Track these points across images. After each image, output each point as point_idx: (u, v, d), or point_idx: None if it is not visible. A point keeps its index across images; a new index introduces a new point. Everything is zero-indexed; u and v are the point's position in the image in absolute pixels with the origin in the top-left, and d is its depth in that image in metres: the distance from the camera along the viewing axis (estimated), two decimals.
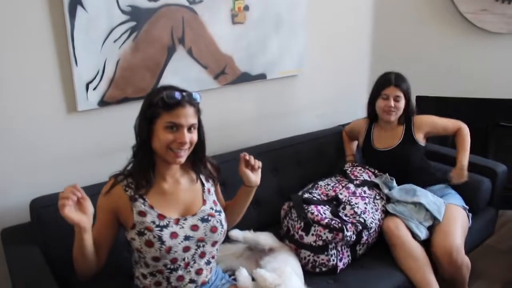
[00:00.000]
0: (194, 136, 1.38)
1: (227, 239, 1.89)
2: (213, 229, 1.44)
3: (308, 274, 1.83)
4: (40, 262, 1.55)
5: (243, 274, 1.68)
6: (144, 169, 1.38)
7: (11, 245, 1.66)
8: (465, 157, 2.17)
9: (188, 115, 1.34)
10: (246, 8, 2.20)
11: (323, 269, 1.88)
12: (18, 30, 1.64)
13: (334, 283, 1.82)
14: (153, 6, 1.90)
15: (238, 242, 1.92)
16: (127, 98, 1.94)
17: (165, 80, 2.02)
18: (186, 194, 1.46)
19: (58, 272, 1.54)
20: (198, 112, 1.40)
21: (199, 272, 1.45)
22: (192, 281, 1.44)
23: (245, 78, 2.31)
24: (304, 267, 1.85)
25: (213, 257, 1.50)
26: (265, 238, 1.89)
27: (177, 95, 1.32)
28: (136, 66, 1.92)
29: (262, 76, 2.38)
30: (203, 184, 1.51)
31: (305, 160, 2.40)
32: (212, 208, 1.48)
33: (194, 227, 1.41)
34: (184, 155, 1.37)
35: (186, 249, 1.39)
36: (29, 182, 1.77)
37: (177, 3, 1.97)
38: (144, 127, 1.34)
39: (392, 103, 2.19)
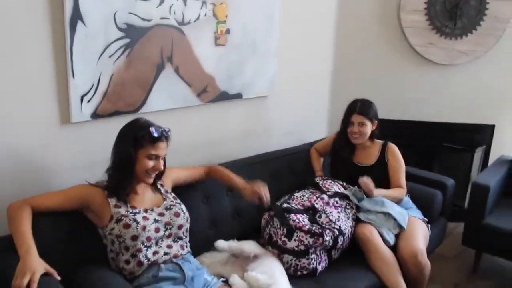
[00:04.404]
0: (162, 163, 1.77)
1: (213, 248, 2.01)
2: (176, 214, 1.79)
3: (290, 277, 1.95)
4: None
5: (236, 280, 1.80)
6: (125, 184, 1.72)
7: None
8: (384, 192, 2.35)
9: (164, 148, 1.75)
10: (228, 31, 2.37)
11: (304, 272, 2.03)
12: (17, 39, 1.67)
13: (316, 285, 1.97)
14: (146, 25, 2.01)
15: (219, 252, 2.03)
16: (118, 112, 2.01)
17: (154, 96, 2.12)
18: (150, 197, 1.82)
19: None
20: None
21: (169, 246, 1.74)
22: (165, 253, 1.72)
23: (224, 96, 2.46)
24: (286, 271, 1.98)
25: (180, 238, 1.79)
26: (249, 246, 2.02)
27: (160, 132, 1.71)
28: (127, 81, 2.01)
29: (238, 96, 2.54)
30: (160, 191, 1.86)
31: (278, 174, 2.56)
32: (172, 201, 1.84)
33: (161, 214, 1.76)
34: (153, 176, 1.77)
35: (157, 230, 1.71)
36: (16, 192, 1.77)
37: (168, 24, 2.09)
38: (130, 154, 1.69)
39: (356, 128, 2.42)
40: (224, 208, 2.25)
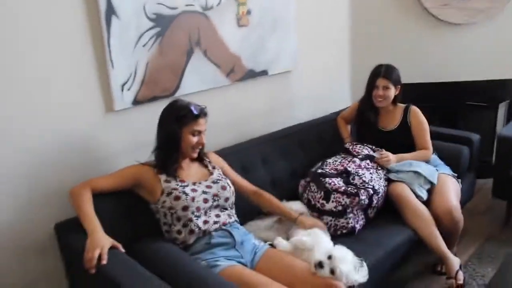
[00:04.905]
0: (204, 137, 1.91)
1: (257, 217, 2.14)
2: (223, 187, 1.92)
3: (331, 237, 2.07)
4: None
5: (281, 241, 1.94)
6: (173, 160, 1.86)
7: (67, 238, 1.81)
8: (407, 157, 2.45)
9: (204, 124, 1.89)
10: (249, 12, 2.47)
11: (344, 231, 2.15)
12: (60, 37, 1.81)
13: (356, 241, 2.08)
14: (173, 13, 2.13)
15: (266, 218, 2.16)
16: (156, 97, 2.15)
17: (186, 80, 2.25)
18: (196, 172, 1.96)
19: None
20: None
21: (217, 216, 1.87)
22: (215, 222, 1.85)
23: (251, 74, 2.57)
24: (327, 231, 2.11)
25: (226, 209, 1.92)
26: (297, 206, 2.18)
27: (200, 110, 1.85)
28: (162, 68, 2.14)
29: (264, 73, 2.65)
30: (207, 167, 2.00)
31: (308, 144, 2.67)
32: (219, 176, 1.97)
33: (208, 187, 1.89)
34: (198, 151, 1.92)
35: (205, 200, 1.85)
36: (71, 177, 1.92)
37: (193, 10, 2.21)
38: (175, 133, 1.84)
39: (381, 91, 2.51)
40: (261, 177, 2.37)
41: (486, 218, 3.01)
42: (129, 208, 1.88)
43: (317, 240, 1.89)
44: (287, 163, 2.53)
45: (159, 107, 1.92)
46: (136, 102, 2.08)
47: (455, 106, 3.40)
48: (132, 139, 2.12)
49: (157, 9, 2.07)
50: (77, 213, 1.72)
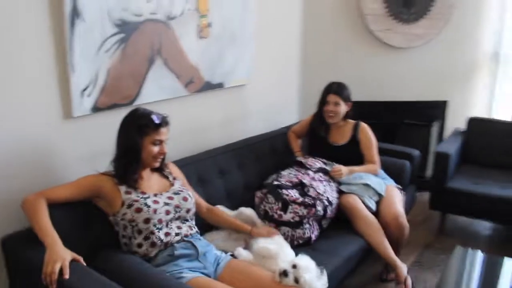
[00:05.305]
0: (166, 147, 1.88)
1: (210, 228, 2.15)
2: (185, 199, 1.90)
3: None
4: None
5: (241, 251, 1.96)
6: (133, 171, 1.81)
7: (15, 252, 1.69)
8: (357, 169, 2.58)
9: (166, 133, 1.85)
10: (210, 24, 2.50)
11: (300, 241, 2.22)
12: (19, 35, 1.71)
13: (312, 251, 2.15)
14: (137, 20, 2.10)
15: (220, 229, 2.17)
16: (115, 104, 2.10)
17: (146, 88, 2.22)
18: (157, 183, 1.92)
19: None
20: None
21: (179, 227, 1.85)
22: (177, 234, 1.83)
23: (208, 86, 2.59)
24: None
25: (187, 220, 1.91)
26: (251, 212, 2.22)
27: (161, 119, 1.81)
28: (123, 75, 2.10)
29: (221, 85, 2.68)
30: (167, 178, 1.97)
31: (262, 157, 2.74)
32: (180, 187, 1.95)
33: (170, 198, 1.86)
34: (160, 160, 1.88)
35: (167, 212, 1.82)
36: (25, 186, 1.81)
37: (156, 19, 2.20)
38: (136, 143, 1.79)
39: (332, 107, 2.63)
40: (217, 189, 2.39)
41: (423, 227, 3.24)
42: (85, 217, 1.81)
43: (281, 248, 1.94)
44: (242, 175, 2.57)
45: (118, 115, 1.88)
46: (96, 109, 2.02)
47: (394, 124, 3.64)
48: (89, 147, 2.04)
49: (122, 15, 2.03)
50: (31, 225, 1.62)
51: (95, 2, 1.91)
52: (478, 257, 2.15)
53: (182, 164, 2.20)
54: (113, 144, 1.84)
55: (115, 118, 1.86)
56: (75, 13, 1.84)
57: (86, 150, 2.04)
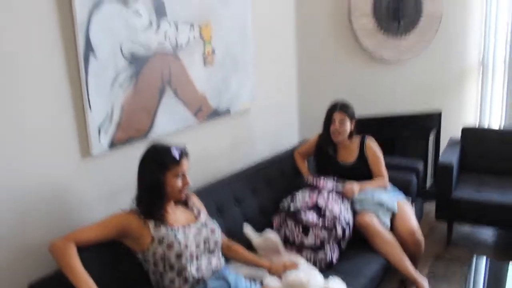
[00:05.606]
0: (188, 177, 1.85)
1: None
2: (212, 230, 1.88)
3: None
4: None
5: (271, 279, 1.94)
6: (159, 205, 1.79)
7: None
8: (367, 185, 2.62)
9: (187, 164, 1.83)
10: (213, 51, 2.50)
11: (323, 265, 2.21)
12: (35, 74, 1.68)
13: (336, 273, 2.14)
14: (147, 54, 2.09)
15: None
16: (130, 139, 2.07)
17: (159, 120, 2.20)
18: (183, 215, 1.89)
19: None
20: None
21: (210, 261, 1.83)
22: (208, 268, 1.81)
23: (215, 113, 2.59)
24: None
25: (214, 252, 1.87)
26: (274, 236, 2.22)
27: (181, 151, 1.80)
28: (136, 108, 2.07)
29: (227, 111, 2.68)
30: (192, 210, 1.94)
31: (273, 180, 2.74)
32: (205, 219, 1.92)
33: (198, 230, 1.83)
34: (186, 192, 1.85)
35: (197, 245, 1.79)
36: (46, 227, 1.77)
37: (164, 50, 2.19)
38: (159, 180, 1.76)
39: (338, 125, 2.66)
40: (235, 217, 2.37)
41: (430, 239, 3.27)
42: (112, 257, 1.76)
43: (310, 274, 1.93)
44: (257, 201, 2.56)
45: (134, 149, 1.87)
46: (112, 145, 1.98)
47: (392, 138, 3.70)
48: (108, 185, 2.00)
49: (133, 48, 2.02)
50: (64, 271, 1.56)
51: (107, 37, 1.89)
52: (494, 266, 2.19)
53: (199, 194, 2.17)
54: (132, 180, 1.81)
55: (131, 153, 1.84)
56: (89, 49, 1.82)
57: (106, 187, 1.99)
